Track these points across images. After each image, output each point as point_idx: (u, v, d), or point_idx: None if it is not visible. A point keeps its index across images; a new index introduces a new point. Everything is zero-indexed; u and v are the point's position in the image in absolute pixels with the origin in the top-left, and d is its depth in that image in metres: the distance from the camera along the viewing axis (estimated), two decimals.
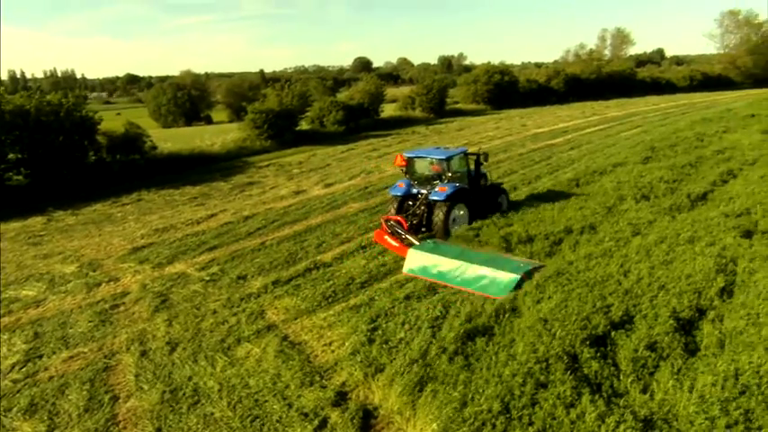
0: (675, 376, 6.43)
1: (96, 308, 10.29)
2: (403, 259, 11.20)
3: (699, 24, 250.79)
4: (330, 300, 9.94)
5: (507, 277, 9.50)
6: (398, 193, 13.26)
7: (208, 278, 11.45)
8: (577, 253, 10.60)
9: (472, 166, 14.01)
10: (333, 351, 8.13)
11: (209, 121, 67.19)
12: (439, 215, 12.46)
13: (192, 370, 7.88)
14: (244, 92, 69.25)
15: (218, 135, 33.14)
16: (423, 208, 12.91)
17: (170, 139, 32.02)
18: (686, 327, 7.57)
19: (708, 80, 75.11)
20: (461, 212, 13.03)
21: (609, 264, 9.79)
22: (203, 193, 20.39)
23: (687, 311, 7.85)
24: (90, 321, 9.70)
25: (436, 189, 12.64)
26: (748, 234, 11.11)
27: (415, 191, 13.32)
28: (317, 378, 7.42)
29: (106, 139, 24.88)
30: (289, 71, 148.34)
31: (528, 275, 9.52)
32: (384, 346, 7.92)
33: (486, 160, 13.95)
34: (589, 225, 12.49)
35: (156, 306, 10.19)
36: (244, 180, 22.69)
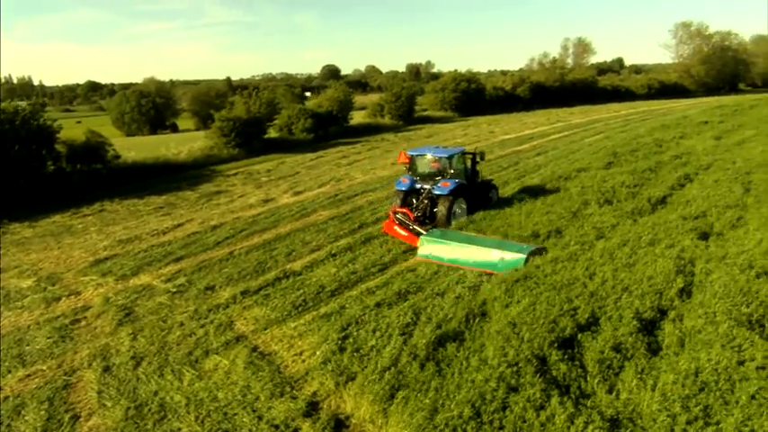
0: (639, 376, 6.61)
1: (55, 323, 9.91)
2: (410, 246, 12.56)
3: (655, 35, 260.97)
4: (300, 309, 9.84)
5: (516, 257, 10.75)
6: (403, 188, 14.39)
7: (174, 290, 11.18)
8: (544, 257, 10.81)
9: (469, 164, 15.30)
10: (303, 361, 8.04)
11: (174, 129, 65.89)
12: (442, 208, 13.71)
13: (158, 384, 7.67)
14: (210, 99, 68.30)
15: (185, 143, 32.53)
16: (426, 202, 14.10)
17: (134, 148, 31.24)
18: (649, 327, 7.80)
19: (665, 88, 78.05)
20: (462, 206, 14.29)
21: (575, 267, 10.01)
22: (169, 203, 19.94)
23: (649, 312, 8.09)
24: (49, 337, 9.33)
25: (439, 184, 13.89)
26: (704, 236, 11.55)
27: (418, 186, 14.40)
28: (288, 389, 7.32)
29: (66, 148, 24.07)
30: (256, 78, 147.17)
31: (532, 255, 10.74)
32: (355, 354, 7.88)
33: (482, 159, 15.37)
34: (555, 229, 12.75)
35: (119, 320, 9.89)
36: (211, 189, 22.31)
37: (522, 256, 10.73)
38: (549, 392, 6.35)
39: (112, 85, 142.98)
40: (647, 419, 5.91)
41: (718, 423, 5.68)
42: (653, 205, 14.36)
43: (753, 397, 5.94)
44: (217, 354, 8.42)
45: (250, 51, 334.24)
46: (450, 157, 14.24)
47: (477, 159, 15.36)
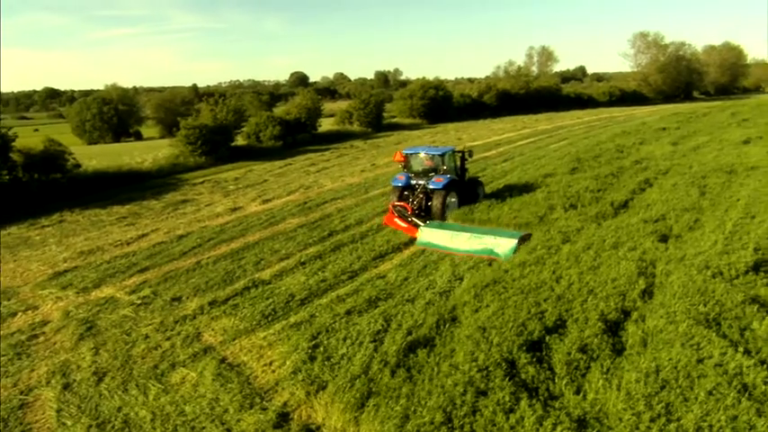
0: (605, 376, 6.76)
1: (11, 340, 9.49)
2: (409, 237, 13.80)
3: (615, 44, 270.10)
4: (270, 318, 9.71)
5: (509, 242, 12.02)
6: (399, 184, 15.65)
7: (139, 301, 10.87)
8: (512, 261, 10.98)
9: (458, 162, 16.53)
10: (273, 371, 7.93)
11: (138, 137, 64.33)
12: (437, 201, 14.92)
13: (122, 400, 7.42)
14: (176, 107, 66.89)
15: (149, 152, 31.78)
16: (421, 196, 15.32)
17: (96, 157, 30.34)
18: (613, 328, 8.01)
19: (625, 95, 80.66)
20: (453, 199, 15.50)
21: (542, 271, 10.20)
22: (133, 213, 19.42)
23: (614, 313, 8.31)
24: (3, 355, 8.92)
25: (433, 180, 15.06)
26: (664, 238, 11.95)
27: (413, 182, 15.61)
28: (258, 400, 7.20)
29: (22, 157, 23.16)
30: (223, 86, 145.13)
31: (522, 241, 12.11)
32: (326, 363, 7.82)
33: (470, 156, 16.60)
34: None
35: (80, 334, 9.54)
36: (177, 198, 21.84)
37: (515, 240, 12.01)
38: (519, 395, 6.43)
39: (72, 91, 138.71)
40: (613, 418, 6.05)
41: (679, 419, 5.86)
42: (615, 209, 14.79)
43: (710, 393, 6.15)
44: (184, 366, 8.22)
45: (216, 58, 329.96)
46: (442, 155, 15.51)
47: (466, 157, 16.54)
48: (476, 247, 12.26)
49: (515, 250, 11.68)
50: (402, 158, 15.98)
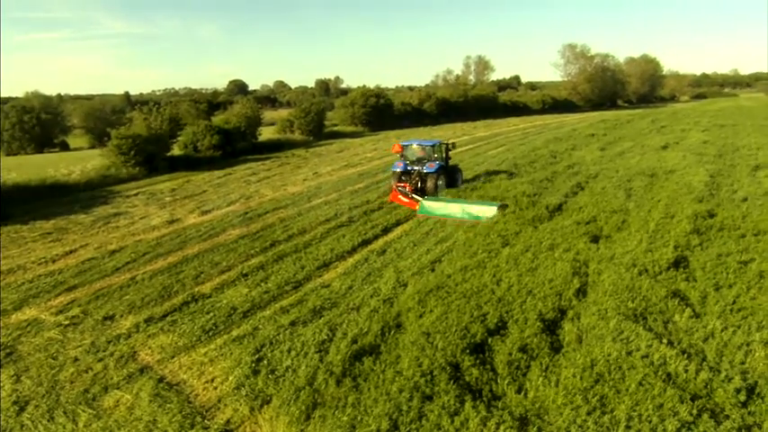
0: (544, 374, 7.03)
1: None
2: (412, 211, 16.97)
3: (547, 54, 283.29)
4: (211, 333, 9.39)
5: (491, 209, 15.46)
6: (398, 170, 19.19)
7: (67, 322, 10.20)
8: (454, 265, 11.21)
9: (443, 153, 19.94)
10: (215, 387, 7.66)
11: (64, 147, 60.56)
12: (430, 183, 18.54)
13: (48, 430, 6.93)
14: (106, 116, 63.65)
15: (77, 163, 29.99)
16: (417, 179, 18.78)
17: (16, 169, 28.31)
18: (551, 327, 8.34)
19: (557, 104, 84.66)
20: (441, 182, 19.01)
21: (483, 274, 10.48)
22: (59, 228, 18.24)
23: (551, 313, 8.65)
24: None
25: (427, 165, 18.77)
26: (595, 239, 12.61)
27: (409, 168, 19.14)
28: (199, 419, 6.93)
29: None
30: (157, 93, 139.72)
31: (501, 207, 15.63)
32: (270, 376, 7.65)
33: (454, 148, 20.82)
34: (464, 240, 13.28)
35: None
36: (109, 211, 20.73)
37: (495, 208, 15.48)
38: (463, 398, 6.55)
39: None
40: (553, 414, 6.29)
41: (612, 411, 6.17)
42: (550, 212, 15.44)
43: (640, 384, 6.53)
44: (118, 389, 7.78)
45: (150, 65, 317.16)
46: (432, 146, 19.46)
47: (450, 148, 20.27)
48: (469, 212, 15.53)
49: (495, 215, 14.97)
50: (400, 149, 19.70)
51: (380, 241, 14.41)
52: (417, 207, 17.02)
